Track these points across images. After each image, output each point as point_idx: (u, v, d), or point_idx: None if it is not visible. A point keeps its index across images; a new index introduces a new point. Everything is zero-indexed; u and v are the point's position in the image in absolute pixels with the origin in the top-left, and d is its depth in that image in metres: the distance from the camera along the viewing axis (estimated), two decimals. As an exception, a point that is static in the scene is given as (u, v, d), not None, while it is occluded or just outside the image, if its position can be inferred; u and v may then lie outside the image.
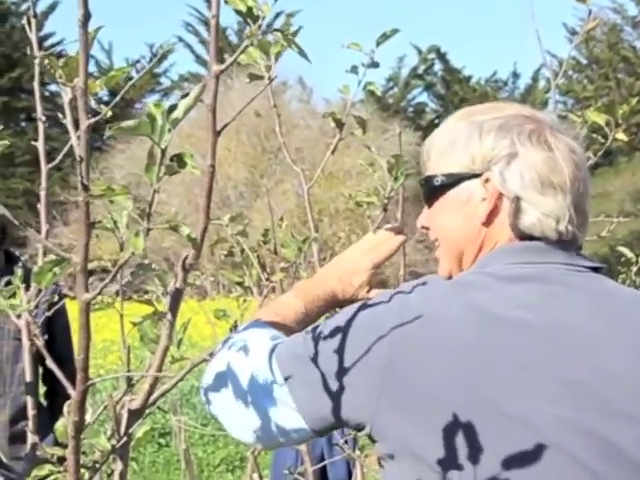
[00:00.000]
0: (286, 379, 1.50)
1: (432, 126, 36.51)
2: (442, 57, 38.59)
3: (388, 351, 1.42)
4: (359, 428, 1.48)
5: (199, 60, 37.92)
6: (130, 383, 1.54)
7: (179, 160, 1.25)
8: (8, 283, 1.59)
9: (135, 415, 1.55)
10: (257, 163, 28.17)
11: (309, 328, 1.57)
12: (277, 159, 27.59)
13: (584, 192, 1.55)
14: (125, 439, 1.49)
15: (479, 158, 1.55)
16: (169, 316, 1.53)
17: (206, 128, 1.48)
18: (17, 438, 3.42)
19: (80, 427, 1.39)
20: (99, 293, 1.34)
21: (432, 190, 1.61)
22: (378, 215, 2.51)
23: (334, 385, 1.46)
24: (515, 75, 40.29)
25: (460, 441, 1.38)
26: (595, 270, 1.55)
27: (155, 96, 35.88)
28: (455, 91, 37.48)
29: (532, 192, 1.51)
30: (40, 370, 3.58)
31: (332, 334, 1.49)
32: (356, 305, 1.53)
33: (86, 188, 1.25)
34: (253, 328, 1.63)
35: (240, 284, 2.56)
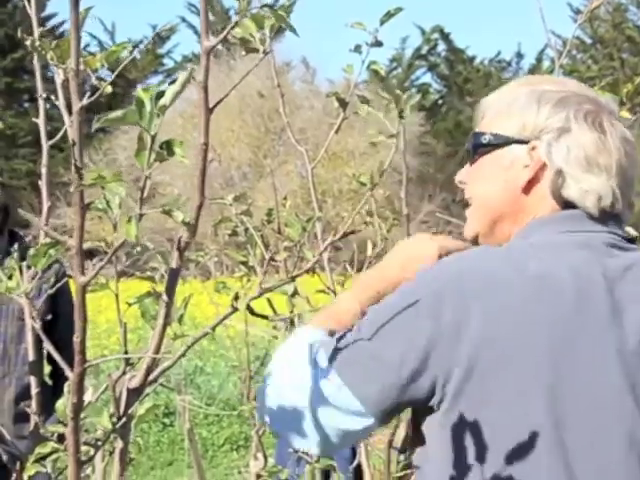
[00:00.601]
0: (345, 381, 1.47)
1: (436, 106, 36.50)
2: (446, 37, 38.44)
3: (459, 318, 1.42)
4: (429, 403, 1.47)
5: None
6: (128, 362, 1.54)
7: (168, 148, 1.25)
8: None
9: (135, 393, 1.56)
10: (260, 144, 28.15)
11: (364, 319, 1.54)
12: (281, 140, 27.57)
13: (630, 181, 1.56)
14: (125, 418, 1.49)
15: (531, 126, 1.55)
16: (164, 296, 1.53)
17: (198, 105, 1.48)
18: (22, 417, 3.44)
19: (79, 408, 1.39)
20: (95, 275, 1.34)
21: (477, 147, 1.61)
22: (382, 194, 2.51)
23: (404, 364, 1.45)
24: (519, 55, 40.13)
25: (530, 405, 1.41)
26: (630, 241, 1.57)
27: (158, 77, 35.80)
28: (459, 71, 37.35)
29: (576, 168, 1.52)
30: (45, 350, 3.59)
31: (391, 312, 1.48)
32: (413, 279, 1.51)
33: (79, 171, 1.25)
34: (306, 336, 1.59)
35: (244, 263, 2.56)
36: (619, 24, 34.42)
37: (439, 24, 38.52)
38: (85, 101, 1.22)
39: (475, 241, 1.62)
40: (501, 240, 1.58)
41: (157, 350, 1.53)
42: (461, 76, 36.93)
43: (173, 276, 1.52)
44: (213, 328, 1.65)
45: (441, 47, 38.78)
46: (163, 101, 1.17)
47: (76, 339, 1.29)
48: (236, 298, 1.66)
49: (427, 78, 39.11)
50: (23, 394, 3.45)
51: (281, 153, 27.04)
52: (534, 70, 36.32)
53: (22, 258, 1.77)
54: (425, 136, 31.06)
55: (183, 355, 1.59)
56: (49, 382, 3.67)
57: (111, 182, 1.17)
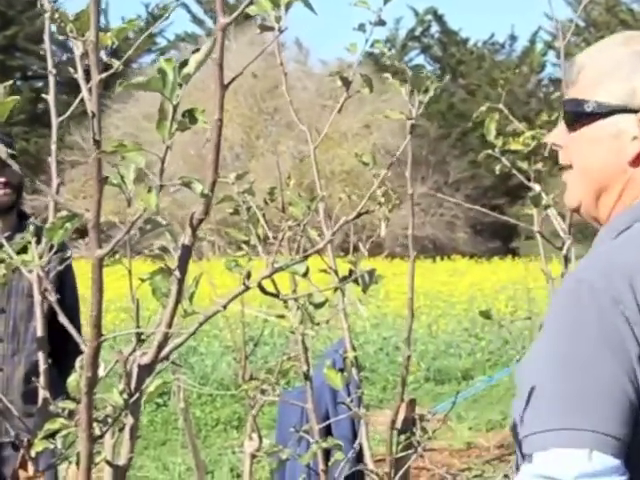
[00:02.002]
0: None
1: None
2: (439, 19, 38.34)
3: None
4: None
5: (196, 20, 37.70)
6: (140, 338, 1.54)
7: (190, 116, 1.25)
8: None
9: (146, 370, 1.55)
10: (253, 124, 28.10)
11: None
12: (273, 120, 27.49)
13: None
14: (138, 394, 1.49)
15: (639, 93, 1.47)
16: (177, 273, 1.53)
17: (214, 82, 1.47)
18: (31, 395, 3.43)
19: (93, 383, 1.39)
20: (112, 249, 1.33)
21: (580, 115, 1.52)
22: (386, 174, 2.51)
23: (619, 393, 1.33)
24: (512, 38, 40.10)
25: None
26: None
27: (151, 56, 35.68)
28: (452, 53, 37.29)
29: None
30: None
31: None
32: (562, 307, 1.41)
33: (98, 144, 1.24)
34: None
35: (246, 243, 2.56)
36: (613, 7, 34.38)
37: (433, 6, 38.50)
38: (104, 74, 1.21)
39: (576, 210, 1.56)
40: (604, 212, 1.53)
41: (169, 327, 1.53)
42: (454, 58, 36.87)
43: (185, 252, 1.52)
44: (225, 306, 1.65)
45: (434, 29, 38.73)
46: (187, 70, 1.16)
47: (92, 313, 1.29)
48: (248, 276, 1.65)
49: (420, 59, 39.02)
50: (33, 372, 3.44)
51: (273, 134, 26.96)
52: (528, 53, 36.30)
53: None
54: (418, 118, 30.89)
55: (194, 332, 1.59)
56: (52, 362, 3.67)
57: (131, 151, 1.17)
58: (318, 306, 1.77)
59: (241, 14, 1.47)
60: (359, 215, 1.87)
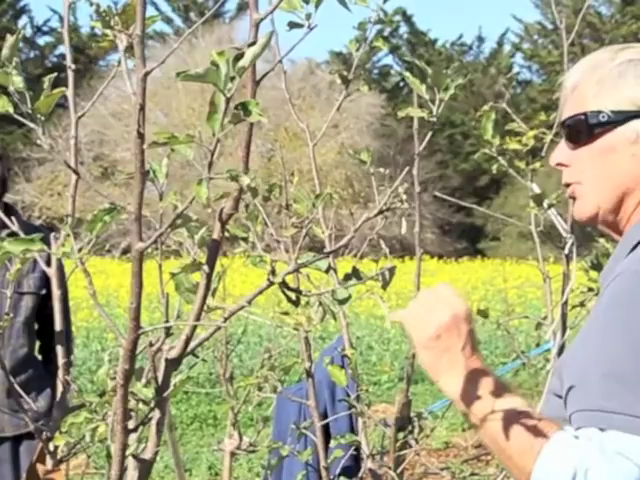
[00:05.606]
0: None
1: (397, 89, 36.48)
2: (408, 20, 38.47)
3: None
4: None
5: (163, 18, 37.53)
6: (168, 333, 1.55)
7: (244, 108, 1.25)
8: (10, 235, 1.58)
9: (173, 364, 1.56)
10: (222, 123, 28.01)
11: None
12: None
13: None
14: (170, 388, 1.49)
15: None
16: (205, 267, 1.54)
17: (245, 79, 1.48)
18: (15, 391, 3.41)
19: (129, 375, 1.39)
20: (154, 242, 1.33)
21: (592, 127, 1.53)
22: (384, 172, 2.52)
23: None
24: (480, 39, 40.32)
25: None
26: None
27: (119, 54, 35.50)
28: (420, 54, 37.41)
29: None
30: (35, 325, 3.59)
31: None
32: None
33: (141, 136, 1.25)
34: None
35: (245, 239, 2.56)
36: (580, 10, 34.59)
37: (401, 6, 38.60)
38: (150, 68, 1.22)
39: (591, 220, 1.57)
40: (624, 215, 1.54)
41: (197, 320, 1.54)
42: (423, 59, 36.93)
43: (214, 247, 1.52)
44: (249, 301, 1.65)
45: (403, 29, 38.85)
46: (242, 63, 1.17)
47: (131, 305, 1.29)
48: (273, 272, 1.65)
49: (389, 60, 39.15)
50: (16, 367, 3.43)
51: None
52: (495, 54, 36.46)
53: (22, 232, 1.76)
54: (386, 118, 31.05)
55: (220, 328, 1.59)
56: (39, 357, 3.66)
57: (182, 143, 1.17)
58: (342, 302, 1.77)
59: (275, 9, 1.48)
60: (380, 212, 1.87)
